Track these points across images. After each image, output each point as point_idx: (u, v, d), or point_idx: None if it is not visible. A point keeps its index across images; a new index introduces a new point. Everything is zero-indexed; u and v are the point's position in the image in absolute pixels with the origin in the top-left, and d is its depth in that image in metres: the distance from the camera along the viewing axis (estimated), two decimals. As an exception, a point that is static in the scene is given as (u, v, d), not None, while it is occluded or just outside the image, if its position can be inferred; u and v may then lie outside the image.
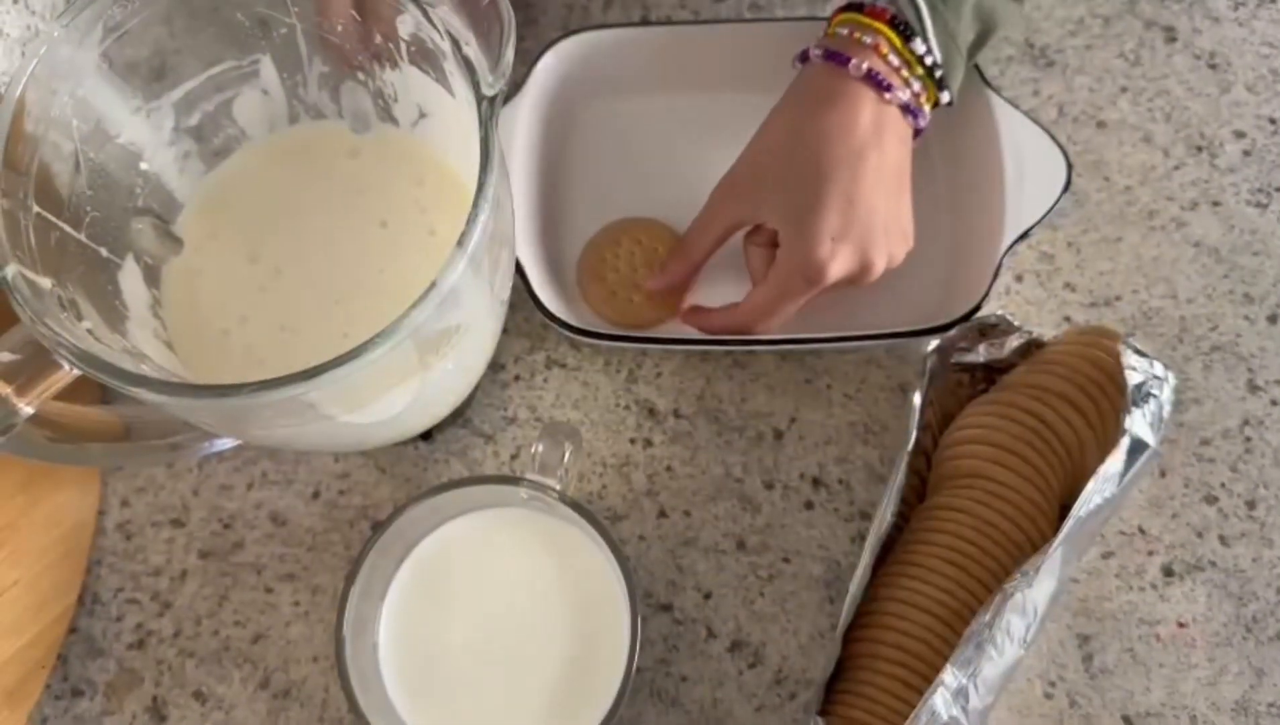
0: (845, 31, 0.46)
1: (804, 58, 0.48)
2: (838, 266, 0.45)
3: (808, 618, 0.47)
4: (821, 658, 0.47)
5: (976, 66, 0.52)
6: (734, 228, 0.49)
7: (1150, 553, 0.48)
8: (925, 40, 0.45)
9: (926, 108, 0.47)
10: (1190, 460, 0.49)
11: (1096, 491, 0.40)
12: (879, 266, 0.46)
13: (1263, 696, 0.46)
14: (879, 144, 0.45)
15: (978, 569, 0.42)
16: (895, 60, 0.45)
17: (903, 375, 0.51)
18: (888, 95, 0.45)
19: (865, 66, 0.45)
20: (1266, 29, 0.57)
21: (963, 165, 0.52)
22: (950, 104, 0.47)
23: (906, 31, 0.45)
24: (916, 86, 0.46)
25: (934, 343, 0.46)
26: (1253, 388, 0.50)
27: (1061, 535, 0.40)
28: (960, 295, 0.49)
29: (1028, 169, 0.49)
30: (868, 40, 0.45)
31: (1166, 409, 0.42)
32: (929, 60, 0.46)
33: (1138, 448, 0.41)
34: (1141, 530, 0.48)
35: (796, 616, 0.47)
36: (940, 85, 0.47)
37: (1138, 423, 0.41)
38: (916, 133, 0.47)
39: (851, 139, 0.45)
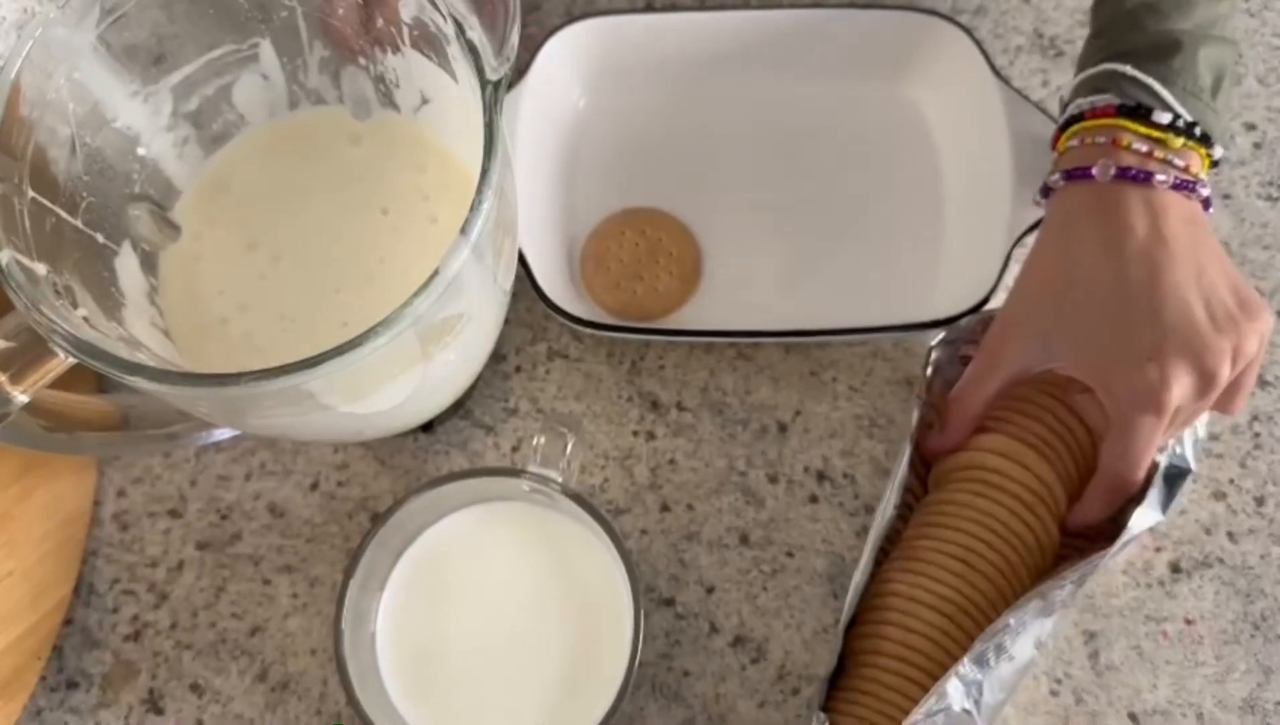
0: (1075, 144, 0.42)
1: (1045, 192, 0.43)
2: (1176, 388, 0.39)
3: (811, 613, 0.47)
4: (825, 653, 0.46)
5: (985, 56, 0.51)
6: (1022, 373, 0.43)
7: (1158, 549, 0.47)
8: (1168, 107, 0.40)
9: (1203, 174, 0.41)
10: (1198, 456, 0.49)
11: (1145, 522, 0.41)
12: (1221, 366, 0.39)
13: (1270, 694, 0.45)
14: (1161, 238, 0.39)
15: (983, 564, 0.42)
16: (1143, 146, 0.40)
17: (909, 368, 0.50)
18: (1151, 185, 0.40)
19: (1112, 168, 0.40)
20: (1279, 20, 0.57)
21: (971, 156, 0.52)
22: (1219, 160, 0.42)
23: (1142, 111, 0.41)
24: (1180, 161, 0.40)
25: (941, 335, 0.46)
26: (1262, 383, 0.50)
27: (1112, 551, 0.40)
28: (968, 287, 0.48)
29: (1036, 160, 0.48)
30: (1102, 140, 0.41)
31: (1201, 431, 0.42)
32: (1181, 122, 0.40)
33: (1180, 475, 0.42)
34: (1149, 527, 0.48)
35: (800, 611, 0.47)
36: (1205, 141, 0.41)
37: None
38: (1206, 204, 0.41)
39: (1129, 246, 0.39)
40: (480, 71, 0.35)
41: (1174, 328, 0.39)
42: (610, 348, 0.51)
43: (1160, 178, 0.40)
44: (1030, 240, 0.52)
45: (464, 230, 0.34)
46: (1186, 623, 0.46)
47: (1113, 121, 0.41)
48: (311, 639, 0.47)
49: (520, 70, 0.52)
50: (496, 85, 0.35)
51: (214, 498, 0.49)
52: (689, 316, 0.51)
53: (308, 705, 0.46)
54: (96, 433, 0.43)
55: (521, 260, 0.48)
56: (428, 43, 0.40)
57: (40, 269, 0.36)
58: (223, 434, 0.46)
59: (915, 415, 0.44)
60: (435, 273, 0.33)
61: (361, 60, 0.44)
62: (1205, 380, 0.39)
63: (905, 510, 0.45)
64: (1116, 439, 0.40)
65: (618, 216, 0.53)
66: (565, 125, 0.54)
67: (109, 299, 0.41)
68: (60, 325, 0.34)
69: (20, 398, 0.35)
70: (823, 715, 0.41)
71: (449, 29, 0.37)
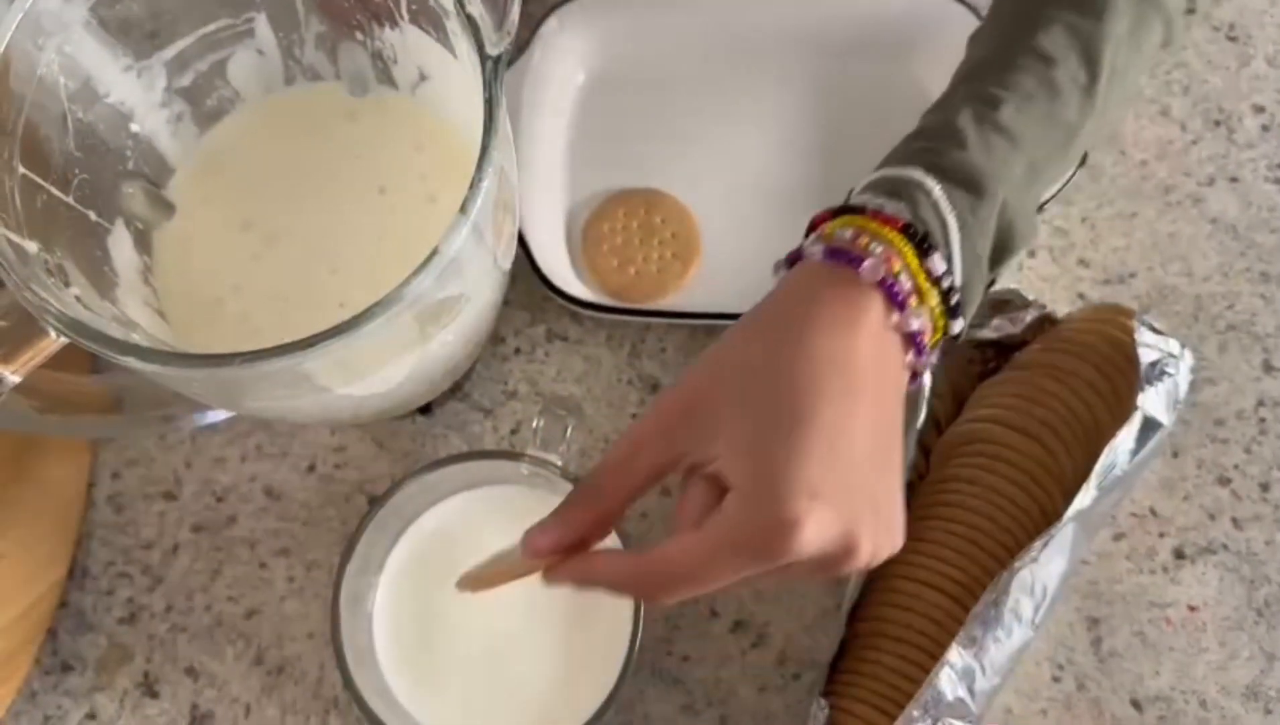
0: (849, 234, 0.36)
1: (791, 261, 0.37)
2: (814, 533, 0.32)
3: (813, 597, 0.46)
4: (826, 638, 0.46)
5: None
6: (671, 464, 0.35)
7: (1161, 535, 0.47)
8: (948, 258, 0.36)
9: (929, 346, 0.36)
10: (1203, 441, 0.48)
11: (1107, 468, 0.40)
12: (862, 550, 0.33)
13: (1273, 681, 0.45)
14: (877, 385, 0.34)
15: (989, 542, 0.42)
16: (908, 282, 0.35)
17: (912, 352, 0.50)
18: (898, 316, 0.35)
19: (881, 272, 0.35)
20: (1288, 1, 0.56)
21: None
22: (957, 338, 0.37)
23: (925, 246, 0.35)
24: (923, 318, 0.35)
25: (946, 318, 0.45)
26: (1268, 368, 0.50)
27: (1070, 512, 0.39)
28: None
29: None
30: (878, 250, 0.35)
31: (1183, 388, 0.42)
32: (947, 282, 0.36)
33: (1150, 426, 0.40)
34: (1153, 512, 0.47)
35: (801, 596, 0.46)
36: (953, 313, 0.36)
37: (1151, 401, 0.40)
38: (913, 377, 0.37)
39: (848, 369, 0.34)
40: (480, 46, 0.35)
41: (847, 481, 0.33)
42: (610, 330, 0.51)
43: (909, 318, 0.35)
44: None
45: (463, 209, 0.33)
46: (1190, 609, 0.46)
47: (895, 237, 0.35)
48: (308, 622, 0.47)
49: (520, 47, 0.51)
50: (497, 61, 0.35)
51: (210, 480, 0.49)
52: (689, 298, 0.50)
53: (304, 689, 0.46)
54: (90, 414, 0.42)
55: (521, 241, 0.47)
56: (426, 17, 0.40)
57: (31, 247, 0.35)
58: (218, 415, 0.46)
59: (923, 399, 0.44)
60: (434, 253, 0.33)
61: (359, 35, 0.43)
62: (842, 554, 0.33)
63: (908, 489, 0.45)
64: (711, 538, 0.33)
65: (618, 196, 0.52)
66: (565, 103, 0.54)
67: (102, 278, 0.40)
68: (52, 304, 0.33)
69: (11, 378, 0.34)
70: (823, 701, 0.41)
71: (448, 3, 0.37)
